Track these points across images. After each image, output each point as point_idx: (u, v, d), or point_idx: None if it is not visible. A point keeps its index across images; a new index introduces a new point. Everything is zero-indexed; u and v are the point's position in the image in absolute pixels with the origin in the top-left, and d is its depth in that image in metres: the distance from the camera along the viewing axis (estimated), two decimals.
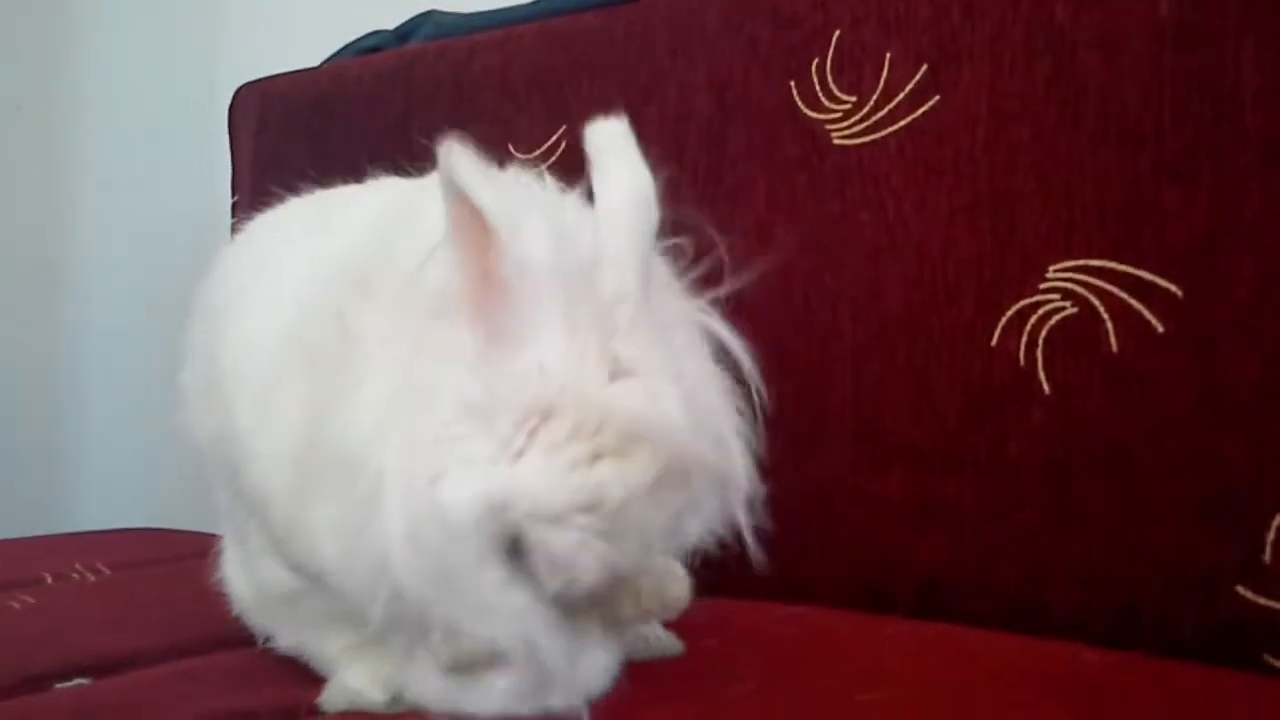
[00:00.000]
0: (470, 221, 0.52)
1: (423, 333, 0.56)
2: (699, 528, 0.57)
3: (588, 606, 0.55)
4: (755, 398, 0.62)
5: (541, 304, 0.53)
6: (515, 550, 0.52)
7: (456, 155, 0.52)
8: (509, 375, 0.52)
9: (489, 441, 0.52)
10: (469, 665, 0.55)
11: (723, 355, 0.63)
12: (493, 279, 0.52)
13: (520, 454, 0.52)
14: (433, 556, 0.52)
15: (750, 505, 0.58)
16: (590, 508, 0.51)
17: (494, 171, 0.54)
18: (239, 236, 0.76)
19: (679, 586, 0.59)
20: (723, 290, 0.64)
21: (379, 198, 0.71)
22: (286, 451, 0.60)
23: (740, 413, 0.61)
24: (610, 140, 0.57)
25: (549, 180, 0.62)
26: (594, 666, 0.58)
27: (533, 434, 0.52)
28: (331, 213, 0.71)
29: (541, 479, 0.51)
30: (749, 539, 0.57)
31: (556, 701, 0.56)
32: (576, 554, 0.51)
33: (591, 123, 0.57)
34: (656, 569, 0.56)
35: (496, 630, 0.53)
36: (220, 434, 0.65)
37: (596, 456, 0.51)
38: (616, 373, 0.53)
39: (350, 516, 0.56)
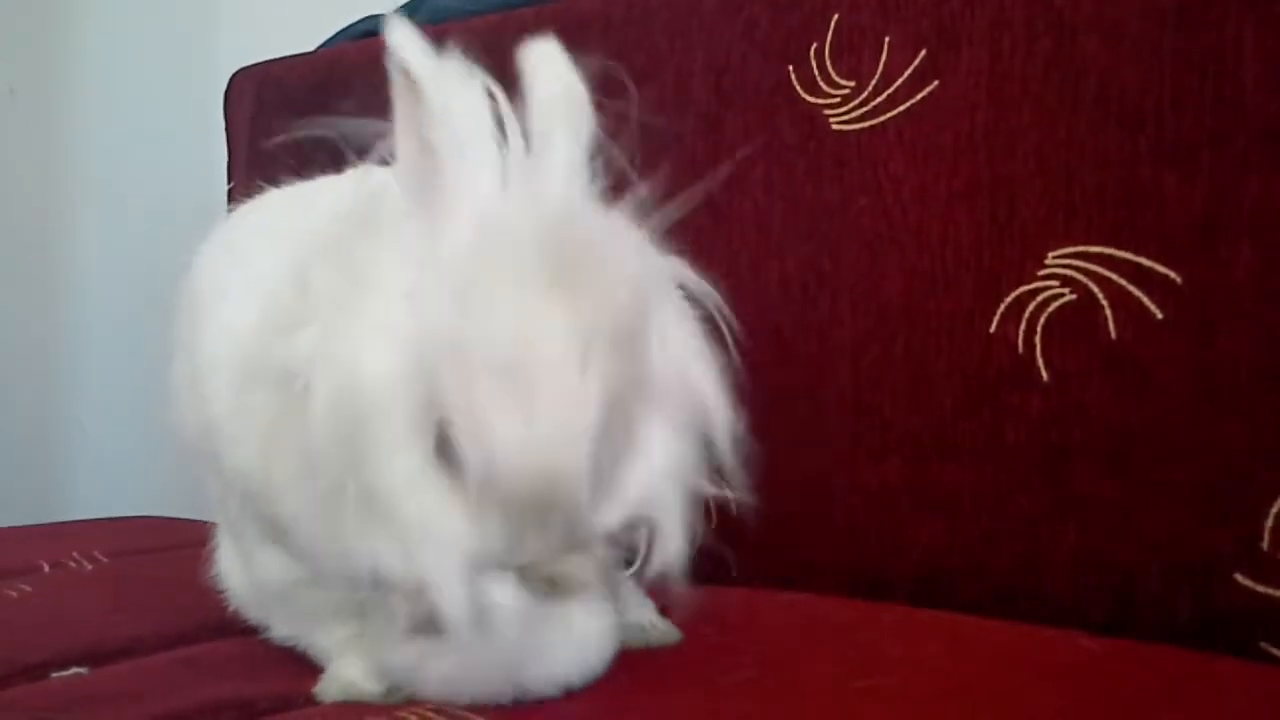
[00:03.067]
0: (409, 92, 0.53)
1: (365, 238, 0.56)
2: (657, 463, 0.55)
3: (506, 528, 0.52)
4: (728, 340, 0.61)
5: (470, 155, 0.53)
6: (440, 439, 0.51)
7: (397, 28, 0.53)
8: (439, 239, 0.52)
9: (417, 315, 0.51)
10: (427, 626, 0.54)
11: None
12: (429, 144, 0.53)
13: (443, 309, 0.50)
14: (351, 427, 0.51)
15: (733, 442, 0.57)
16: (502, 363, 0.49)
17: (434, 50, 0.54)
18: (216, 232, 0.75)
19: (587, 566, 0.55)
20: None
21: (358, 182, 0.71)
22: (259, 424, 0.60)
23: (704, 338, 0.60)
24: (540, 55, 0.57)
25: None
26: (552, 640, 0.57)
27: (457, 292, 0.50)
28: (306, 204, 0.71)
29: (456, 327, 0.50)
30: (732, 482, 0.57)
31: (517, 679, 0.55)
32: (488, 414, 0.49)
33: (524, 47, 0.57)
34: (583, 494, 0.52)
35: (407, 528, 0.52)
36: (203, 424, 0.65)
37: (517, 305, 0.50)
38: (556, 219, 0.52)
39: (298, 457, 0.55)
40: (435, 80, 0.53)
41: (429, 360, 0.51)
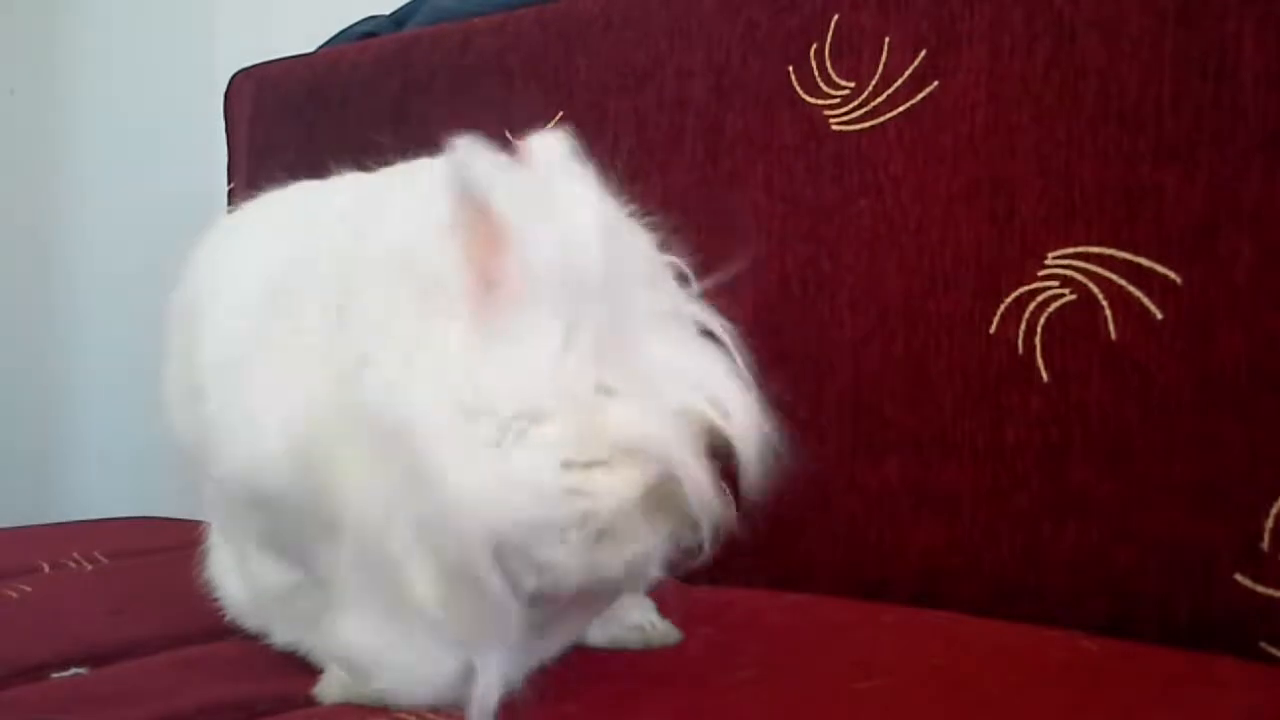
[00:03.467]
0: (478, 220, 0.52)
1: (422, 305, 0.56)
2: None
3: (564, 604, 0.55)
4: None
5: (543, 310, 0.53)
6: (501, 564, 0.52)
7: (469, 153, 0.52)
8: (510, 363, 0.52)
9: (494, 425, 0.52)
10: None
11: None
12: (496, 280, 0.52)
13: (508, 456, 0.51)
14: (437, 547, 0.53)
15: (757, 488, 0.58)
16: (582, 520, 0.51)
17: (506, 166, 0.53)
18: (208, 238, 0.75)
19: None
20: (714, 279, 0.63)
21: (347, 192, 0.71)
22: (293, 432, 0.60)
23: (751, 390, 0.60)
24: (559, 159, 0.56)
25: (560, 163, 0.61)
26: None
27: (526, 433, 0.52)
28: (299, 210, 0.71)
29: (533, 488, 0.51)
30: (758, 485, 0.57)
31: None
32: (568, 563, 0.52)
33: (531, 135, 0.57)
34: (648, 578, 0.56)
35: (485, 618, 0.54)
36: (198, 426, 0.65)
37: (589, 470, 0.51)
38: (609, 389, 0.53)
39: (381, 482, 0.55)
40: (517, 223, 0.52)
41: (494, 500, 0.51)
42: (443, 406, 0.53)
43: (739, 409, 0.57)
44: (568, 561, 0.52)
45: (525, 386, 0.52)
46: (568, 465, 0.51)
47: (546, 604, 0.54)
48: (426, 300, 0.56)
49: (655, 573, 0.57)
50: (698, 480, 0.53)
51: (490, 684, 0.54)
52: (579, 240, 0.53)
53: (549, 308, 0.53)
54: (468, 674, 0.56)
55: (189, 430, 0.68)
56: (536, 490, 0.51)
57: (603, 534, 0.52)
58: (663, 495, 0.53)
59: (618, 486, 0.51)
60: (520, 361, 0.52)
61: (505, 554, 0.52)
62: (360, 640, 0.59)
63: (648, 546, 0.54)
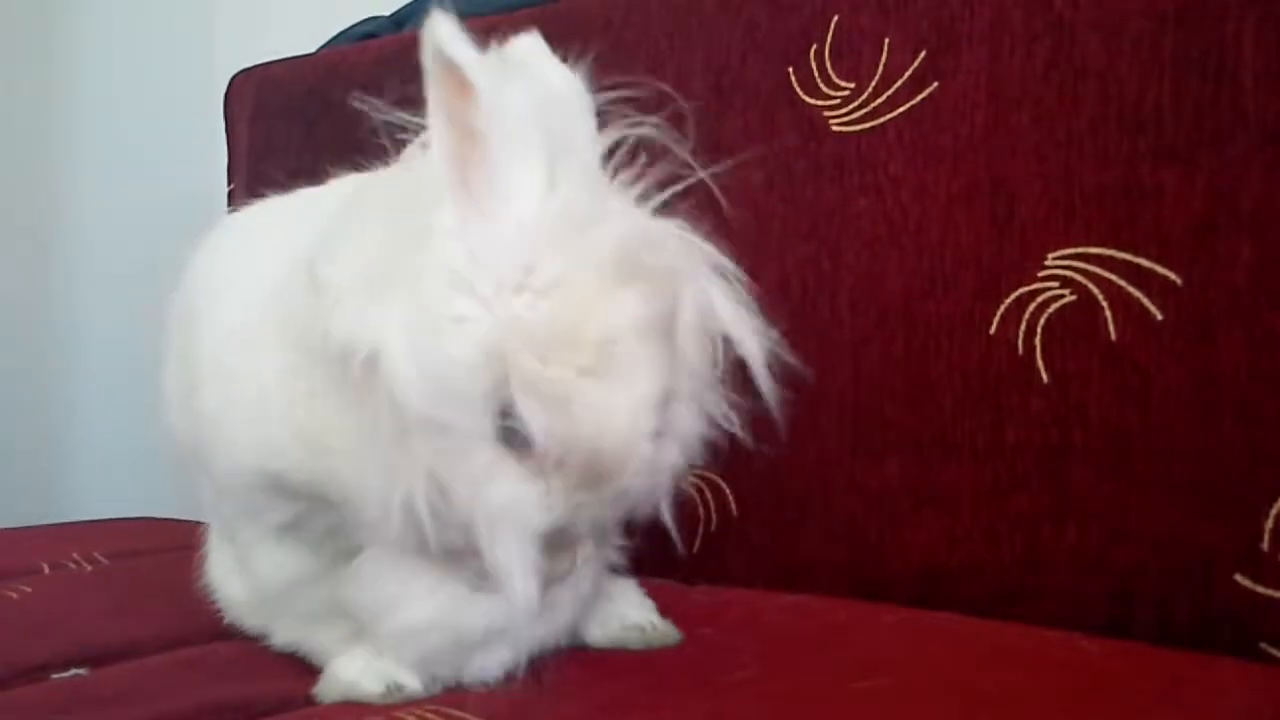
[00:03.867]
0: (451, 81, 0.55)
1: (396, 218, 0.58)
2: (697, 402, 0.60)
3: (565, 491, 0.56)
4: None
5: (521, 151, 0.55)
6: (504, 426, 0.55)
7: (439, 22, 0.55)
8: (492, 233, 0.55)
9: (478, 301, 0.54)
10: (455, 554, 0.58)
11: None
12: (473, 136, 0.54)
13: (508, 304, 0.54)
14: (441, 406, 0.54)
15: (759, 336, 0.61)
16: (577, 344, 0.53)
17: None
18: (207, 241, 0.76)
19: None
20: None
21: (343, 189, 0.71)
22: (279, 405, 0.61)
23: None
24: (529, 51, 0.61)
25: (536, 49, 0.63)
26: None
27: (520, 286, 0.54)
28: (297, 213, 0.72)
29: (531, 318, 0.53)
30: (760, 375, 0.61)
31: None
32: (569, 390, 0.53)
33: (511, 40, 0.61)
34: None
35: (486, 513, 0.55)
36: (200, 426, 0.65)
37: (584, 296, 0.54)
38: (606, 216, 0.56)
39: (358, 416, 0.57)
40: (485, 74, 0.54)
41: (501, 349, 0.54)
42: (431, 286, 0.54)
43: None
44: (569, 397, 0.53)
45: (515, 242, 0.54)
46: (564, 299, 0.53)
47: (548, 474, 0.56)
48: (401, 218, 0.58)
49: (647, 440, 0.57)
50: (700, 312, 0.57)
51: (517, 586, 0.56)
52: (552, 87, 0.57)
53: (526, 151, 0.55)
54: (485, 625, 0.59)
55: (188, 430, 0.68)
56: (535, 323, 0.53)
57: (603, 362, 0.54)
58: (662, 321, 0.55)
59: (614, 312, 0.54)
60: (507, 217, 0.55)
61: (513, 417, 0.54)
62: (377, 591, 0.61)
63: (650, 384, 0.55)
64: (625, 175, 0.62)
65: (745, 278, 0.63)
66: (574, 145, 0.58)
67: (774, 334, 0.62)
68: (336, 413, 0.59)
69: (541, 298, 0.54)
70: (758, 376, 0.61)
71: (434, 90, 0.55)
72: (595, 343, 0.54)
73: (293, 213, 0.73)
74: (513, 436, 0.55)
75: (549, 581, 0.59)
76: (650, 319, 0.55)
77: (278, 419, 0.61)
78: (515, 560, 0.55)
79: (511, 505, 0.56)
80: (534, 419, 0.54)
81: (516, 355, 0.53)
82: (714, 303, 0.61)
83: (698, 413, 0.62)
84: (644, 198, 0.62)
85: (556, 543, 0.58)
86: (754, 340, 0.61)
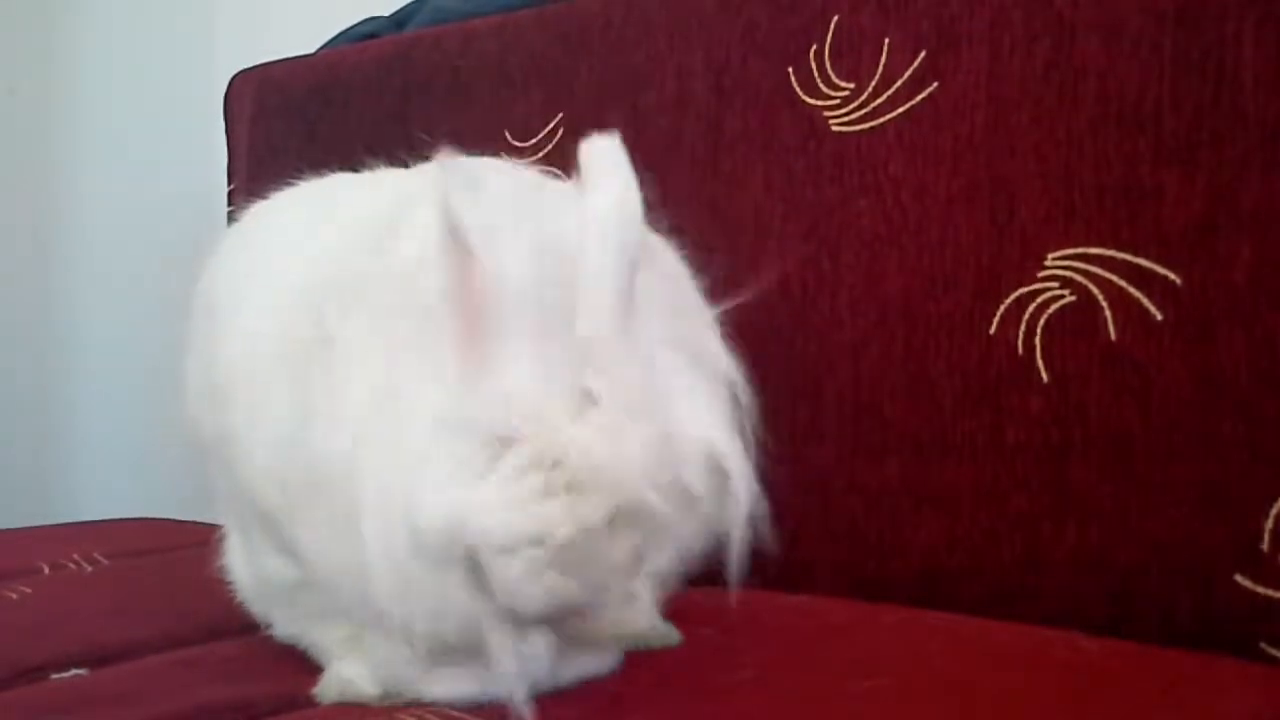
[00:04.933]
0: (456, 234, 0.53)
1: (405, 343, 0.57)
2: (673, 557, 0.59)
3: (544, 626, 0.56)
4: (747, 419, 0.62)
5: (515, 327, 0.53)
6: (474, 567, 0.53)
7: (448, 168, 0.52)
8: (478, 399, 0.53)
9: (454, 464, 0.53)
10: (439, 656, 0.58)
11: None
12: (474, 297, 0.53)
13: (480, 480, 0.52)
14: (401, 569, 0.54)
15: (751, 522, 0.58)
16: (538, 541, 0.51)
17: (488, 178, 0.54)
18: (236, 229, 0.75)
19: (638, 617, 0.58)
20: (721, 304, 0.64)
21: (376, 196, 0.71)
22: (272, 451, 0.61)
23: (740, 429, 0.60)
24: (602, 156, 0.56)
25: (551, 181, 0.61)
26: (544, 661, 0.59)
27: (493, 461, 0.52)
28: (329, 209, 0.71)
29: (496, 507, 0.52)
30: (734, 558, 0.58)
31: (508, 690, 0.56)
32: (522, 583, 0.52)
33: (587, 139, 0.57)
34: (614, 599, 0.56)
35: (455, 632, 0.55)
36: (220, 430, 0.65)
37: (550, 491, 0.52)
38: (584, 406, 0.53)
39: (330, 524, 0.57)
40: (485, 239, 0.52)
41: (472, 537, 0.52)
42: (412, 442, 0.54)
43: (726, 453, 0.58)
44: (529, 583, 0.52)
45: (496, 412, 0.53)
46: (532, 492, 0.52)
47: (523, 625, 0.55)
48: (412, 331, 0.57)
49: (626, 593, 0.57)
50: (660, 510, 0.54)
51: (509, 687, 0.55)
52: (552, 258, 0.53)
53: (520, 329, 0.53)
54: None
55: (208, 428, 0.68)
56: (502, 515, 0.52)
57: (566, 553, 0.52)
58: (629, 519, 0.53)
59: (580, 511, 0.52)
60: (494, 387, 0.53)
61: (470, 573, 0.53)
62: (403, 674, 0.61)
63: (610, 572, 0.54)
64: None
65: (745, 386, 0.61)
66: (593, 310, 0.54)
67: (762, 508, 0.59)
68: (314, 497, 0.59)
69: (509, 489, 0.52)
70: (736, 512, 0.58)
71: (443, 241, 0.54)
72: (559, 543, 0.52)
73: (323, 210, 0.71)
74: (483, 586, 0.54)
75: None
76: (618, 519, 0.53)
77: (263, 453, 0.61)
78: (509, 672, 0.55)
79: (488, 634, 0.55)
80: (496, 590, 0.53)
81: (482, 549, 0.52)
82: (704, 424, 0.59)
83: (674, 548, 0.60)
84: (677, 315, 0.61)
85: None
86: (741, 471, 0.58)
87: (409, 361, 0.56)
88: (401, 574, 0.54)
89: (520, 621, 0.54)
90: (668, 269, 0.67)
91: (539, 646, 0.57)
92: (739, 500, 0.58)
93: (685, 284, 0.69)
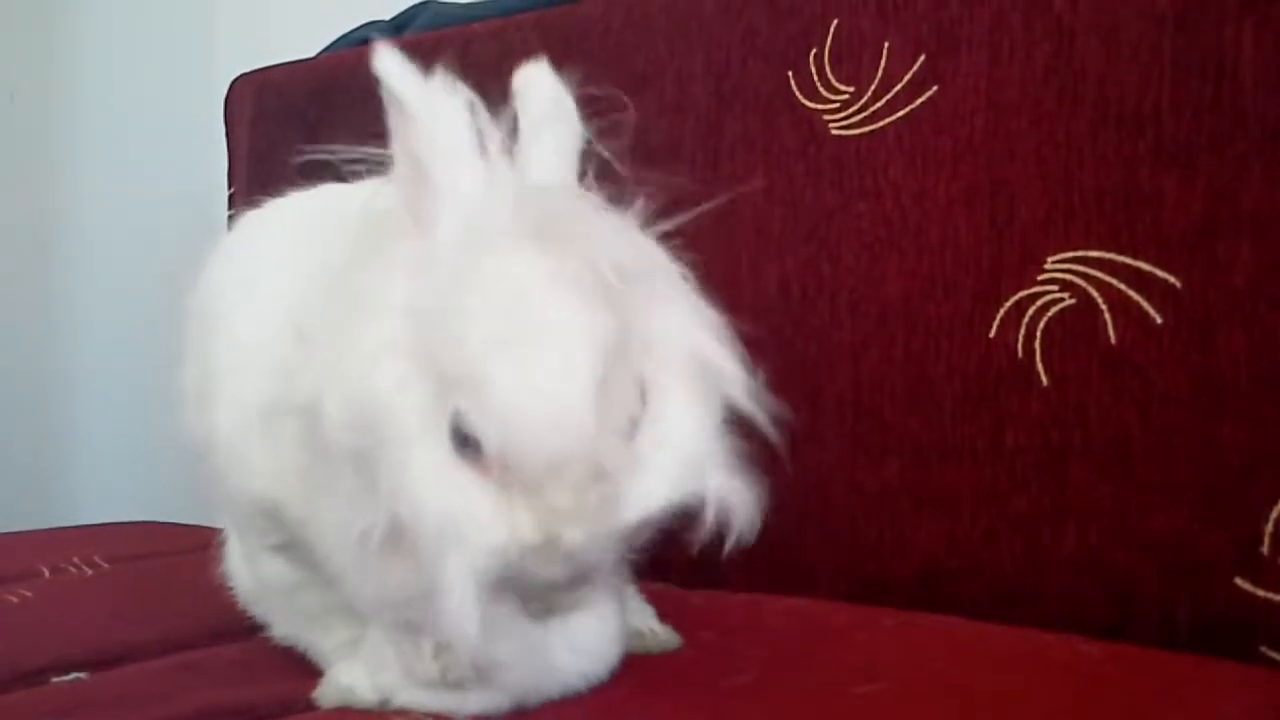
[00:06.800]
0: (400, 116, 0.55)
1: (365, 264, 0.57)
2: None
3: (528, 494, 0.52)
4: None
5: (460, 173, 0.54)
6: (457, 430, 0.51)
7: (384, 56, 0.54)
8: (429, 252, 0.54)
9: (410, 317, 0.53)
10: (454, 682, 0.56)
11: None
12: (419, 162, 0.55)
13: (430, 305, 0.52)
14: (368, 431, 0.52)
15: (751, 394, 0.58)
16: (491, 307, 0.51)
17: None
18: (230, 239, 0.75)
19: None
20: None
21: (360, 204, 0.71)
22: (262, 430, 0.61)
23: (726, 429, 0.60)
24: (529, 75, 0.60)
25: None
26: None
27: (438, 293, 0.52)
28: (319, 219, 0.71)
29: (443, 297, 0.52)
30: (762, 422, 0.57)
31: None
32: (486, 366, 0.50)
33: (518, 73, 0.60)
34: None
35: (436, 524, 0.51)
36: (212, 438, 0.65)
37: (500, 259, 0.52)
38: (539, 239, 0.53)
39: (323, 470, 0.56)
40: (419, 99, 0.55)
41: (431, 351, 0.52)
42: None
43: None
44: (492, 361, 0.51)
45: (445, 249, 0.53)
46: (480, 263, 0.52)
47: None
48: (371, 250, 0.57)
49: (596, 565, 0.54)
50: (629, 277, 0.53)
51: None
52: (487, 120, 0.56)
53: (465, 175, 0.54)
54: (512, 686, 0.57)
55: (203, 433, 0.68)
56: (446, 300, 0.52)
57: (518, 319, 0.51)
58: (590, 284, 0.52)
59: (530, 267, 0.52)
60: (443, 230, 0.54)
61: (466, 433, 0.52)
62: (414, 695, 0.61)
63: (577, 342, 0.52)
64: (621, 198, 0.59)
65: (722, 320, 0.60)
66: (531, 148, 0.57)
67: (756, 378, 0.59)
68: (313, 459, 0.58)
69: (453, 290, 0.51)
70: (730, 386, 0.57)
71: (392, 124, 0.56)
72: (506, 321, 0.51)
73: (313, 221, 0.72)
74: (464, 442, 0.51)
75: (544, 612, 0.57)
76: (571, 274, 0.52)
77: (280, 447, 0.61)
78: (455, 578, 0.50)
79: (463, 515, 0.51)
80: (472, 416, 0.51)
81: (443, 355, 0.51)
82: (687, 326, 0.58)
83: (701, 404, 0.56)
84: (643, 222, 0.59)
85: (544, 585, 0.54)
86: (731, 369, 0.57)
87: (369, 274, 0.57)
88: (361, 423, 0.52)
89: (502, 466, 0.51)
90: (669, 275, 0.66)
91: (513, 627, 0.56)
92: (733, 380, 0.57)
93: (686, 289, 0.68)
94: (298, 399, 0.56)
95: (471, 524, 0.51)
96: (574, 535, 0.51)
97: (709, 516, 0.54)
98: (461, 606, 0.50)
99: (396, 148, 0.56)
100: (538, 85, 0.60)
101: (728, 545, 0.54)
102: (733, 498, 0.55)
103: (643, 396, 0.55)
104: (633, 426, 0.54)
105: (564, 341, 0.51)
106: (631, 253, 0.55)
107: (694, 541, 0.54)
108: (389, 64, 0.55)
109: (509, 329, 0.51)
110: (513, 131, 0.57)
